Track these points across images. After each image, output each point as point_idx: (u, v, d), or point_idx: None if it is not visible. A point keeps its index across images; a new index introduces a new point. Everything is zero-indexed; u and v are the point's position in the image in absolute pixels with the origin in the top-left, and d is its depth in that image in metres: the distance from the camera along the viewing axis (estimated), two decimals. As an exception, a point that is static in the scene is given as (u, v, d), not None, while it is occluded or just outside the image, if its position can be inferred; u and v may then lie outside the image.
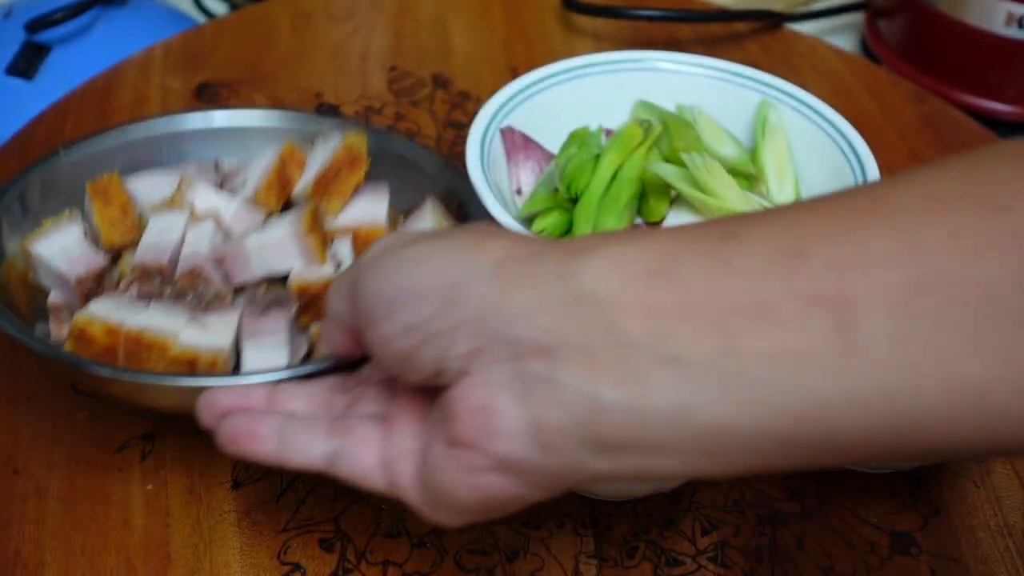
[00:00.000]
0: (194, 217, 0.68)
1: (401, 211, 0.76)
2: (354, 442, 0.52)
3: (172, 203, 0.70)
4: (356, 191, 0.73)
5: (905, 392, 0.39)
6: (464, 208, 0.74)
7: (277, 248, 0.66)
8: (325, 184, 0.70)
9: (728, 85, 0.88)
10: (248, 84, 0.99)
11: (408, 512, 0.51)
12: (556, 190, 0.80)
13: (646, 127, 0.81)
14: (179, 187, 0.71)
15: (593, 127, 0.85)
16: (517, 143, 0.83)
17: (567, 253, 0.45)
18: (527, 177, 0.83)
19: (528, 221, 0.80)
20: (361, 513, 0.68)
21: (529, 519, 0.68)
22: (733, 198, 0.76)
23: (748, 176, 0.81)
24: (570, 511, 0.69)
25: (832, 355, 0.40)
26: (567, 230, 0.79)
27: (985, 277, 0.38)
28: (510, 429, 0.44)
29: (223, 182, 0.75)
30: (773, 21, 1.10)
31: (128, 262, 0.69)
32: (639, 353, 0.42)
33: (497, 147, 0.82)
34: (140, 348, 0.64)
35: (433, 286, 0.46)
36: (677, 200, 0.79)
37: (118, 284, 0.69)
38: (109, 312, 0.65)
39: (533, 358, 0.43)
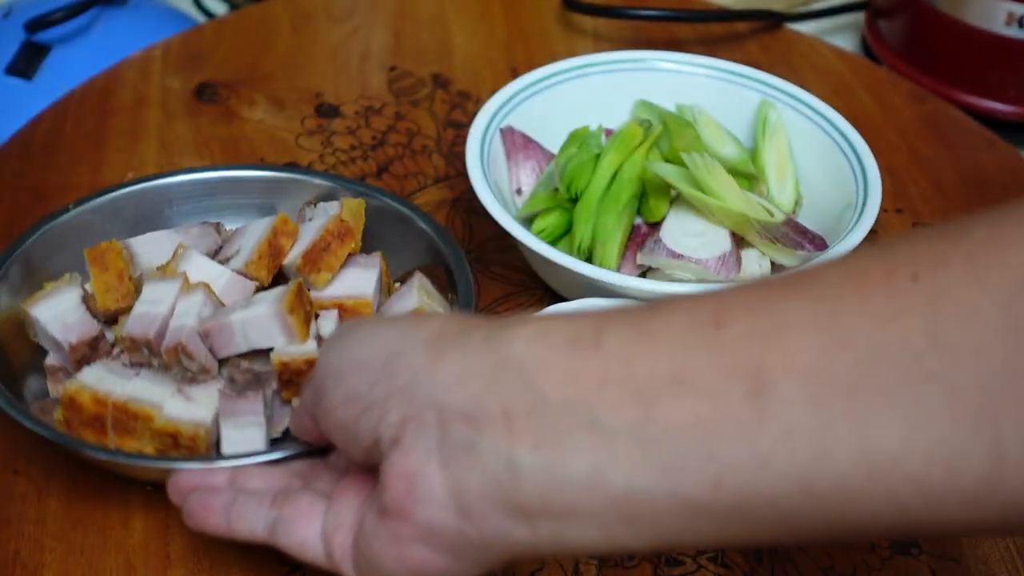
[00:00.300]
0: (187, 286, 0.70)
1: (397, 277, 0.78)
2: (296, 512, 0.53)
3: (166, 271, 0.71)
4: (349, 259, 0.74)
5: (817, 456, 0.39)
6: (452, 275, 0.75)
7: (260, 325, 0.68)
8: (315, 258, 0.72)
9: (728, 85, 0.88)
10: (248, 84, 0.99)
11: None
12: (556, 190, 0.80)
13: (646, 127, 0.81)
14: (174, 255, 0.72)
15: (593, 127, 0.85)
16: (517, 143, 0.83)
17: (497, 326, 0.46)
18: (527, 177, 0.83)
19: (528, 221, 0.80)
20: (361, 513, 0.68)
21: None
22: (733, 198, 0.76)
23: (748, 176, 0.81)
24: (570, 511, 0.69)
25: (746, 421, 0.40)
26: (567, 230, 0.79)
27: (896, 343, 0.38)
28: (434, 496, 0.44)
29: (222, 245, 0.76)
30: (773, 21, 1.10)
31: (123, 326, 0.70)
32: (559, 419, 0.42)
33: (497, 147, 0.82)
34: (127, 417, 0.66)
35: (373, 358, 0.48)
36: (677, 200, 0.79)
37: (113, 347, 0.71)
38: (99, 380, 0.67)
39: (458, 424, 0.44)
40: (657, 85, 0.88)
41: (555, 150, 0.84)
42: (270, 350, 0.68)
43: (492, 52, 1.04)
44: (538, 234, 0.77)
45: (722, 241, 0.76)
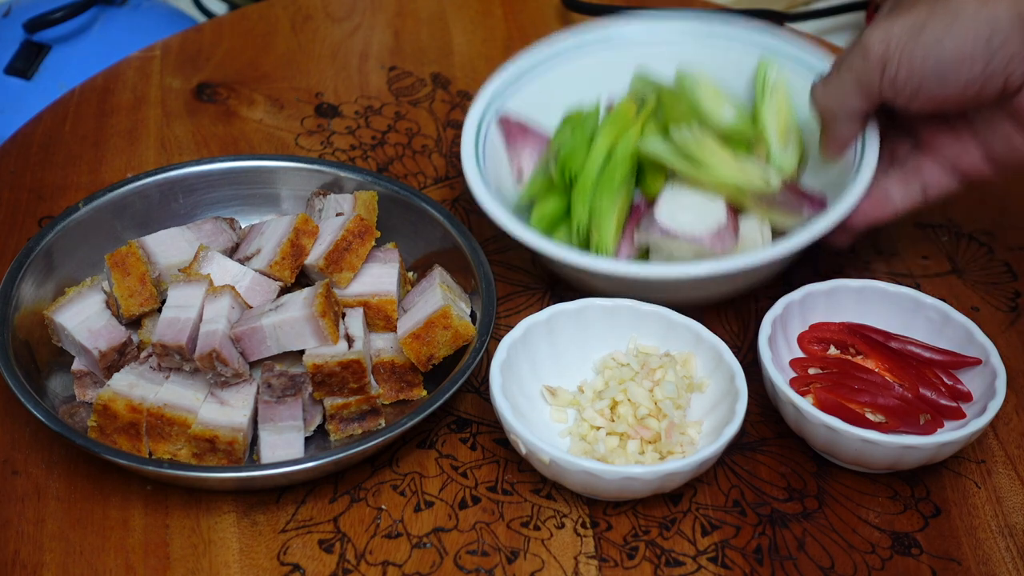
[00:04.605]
0: (212, 289, 0.71)
1: (410, 265, 0.79)
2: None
3: (189, 274, 0.72)
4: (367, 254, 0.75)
5: None
6: (468, 261, 0.76)
7: (292, 328, 0.69)
8: (337, 258, 0.73)
9: (728, 45, 0.87)
10: (248, 84, 0.99)
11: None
12: (553, 175, 0.79)
13: (639, 103, 0.81)
14: (195, 257, 0.73)
15: (595, 101, 0.84)
16: (514, 131, 0.83)
17: None
18: (528, 162, 0.83)
19: (530, 207, 0.80)
20: (360, 514, 0.68)
21: (529, 519, 0.68)
22: (726, 169, 0.75)
23: (747, 140, 0.80)
24: (570, 511, 0.69)
25: None
26: (568, 213, 0.79)
27: None
28: None
29: (239, 242, 0.77)
30: (773, 21, 1.09)
31: (148, 330, 0.71)
32: None
33: (496, 136, 0.82)
34: (162, 423, 0.68)
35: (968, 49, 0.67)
36: (674, 174, 0.78)
37: (139, 349, 0.71)
38: (131, 387, 0.68)
39: None
40: (656, 52, 0.87)
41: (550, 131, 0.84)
42: (300, 351, 0.69)
43: (492, 52, 1.04)
44: (539, 221, 0.77)
45: (716, 213, 0.75)
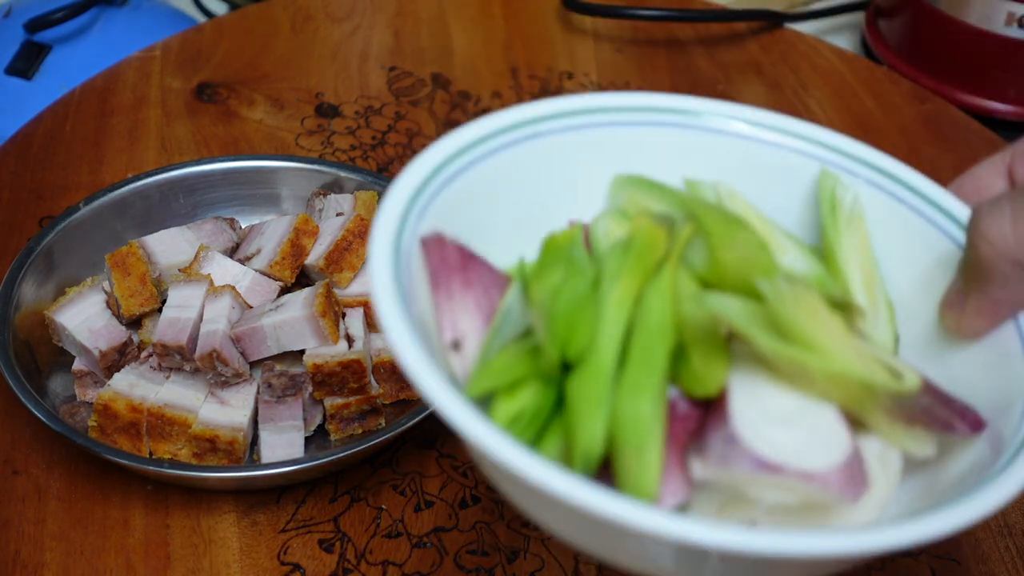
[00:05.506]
0: (213, 289, 0.71)
1: None
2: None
3: (189, 274, 0.72)
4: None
5: None
6: None
7: (292, 328, 0.69)
8: (337, 258, 0.73)
9: (756, 145, 0.53)
10: (248, 84, 0.99)
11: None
12: (528, 344, 0.45)
13: (667, 226, 0.47)
14: (196, 257, 0.73)
15: (557, 224, 0.51)
16: (450, 262, 0.46)
17: None
18: (473, 324, 0.46)
19: (485, 398, 0.44)
20: (361, 513, 0.68)
21: (529, 519, 0.68)
22: (847, 354, 0.44)
23: (843, 306, 0.46)
24: (570, 511, 0.69)
25: None
26: (555, 413, 0.44)
27: None
28: None
29: (239, 242, 0.77)
30: (773, 21, 1.10)
31: (149, 330, 0.72)
32: None
33: (414, 266, 0.45)
34: (163, 423, 0.68)
35: None
36: (735, 356, 0.45)
37: (140, 349, 0.72)
38: (131, 387, 0.68)
39: None
40: (648, 146, 0.53)
41: (497, 262, 0.48)
42: (300, 351, 0.69)
43: (492, 52, 1.04)
44: (509, 427, 0.43)
45: (833, 430, 0.44)
